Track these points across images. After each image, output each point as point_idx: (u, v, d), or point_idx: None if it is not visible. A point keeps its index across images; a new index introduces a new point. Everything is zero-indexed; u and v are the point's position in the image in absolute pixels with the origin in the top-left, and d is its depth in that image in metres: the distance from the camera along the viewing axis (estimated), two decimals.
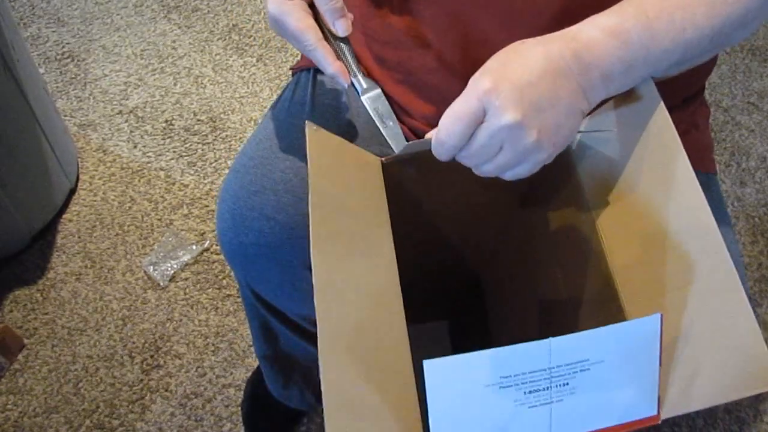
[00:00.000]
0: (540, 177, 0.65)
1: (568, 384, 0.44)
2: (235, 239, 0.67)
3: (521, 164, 0.50)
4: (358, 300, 0.49)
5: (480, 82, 0.47)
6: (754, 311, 1.17)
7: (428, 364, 0.42)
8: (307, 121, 0.54)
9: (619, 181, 0.55)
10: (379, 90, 0.61)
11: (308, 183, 0.51)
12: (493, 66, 0.48)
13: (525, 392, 0.44)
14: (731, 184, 1.35)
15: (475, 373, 0.43)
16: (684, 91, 0.70)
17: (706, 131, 0.73)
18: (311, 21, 0.57)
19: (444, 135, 0.49)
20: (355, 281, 0.49)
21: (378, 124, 0.60)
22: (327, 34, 0.57)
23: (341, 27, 0.57)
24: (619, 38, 0.49)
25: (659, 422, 0.46)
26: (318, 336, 0.46)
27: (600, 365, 0.44)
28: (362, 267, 0.50)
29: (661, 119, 0.53)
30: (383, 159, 0.58)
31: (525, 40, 0.50)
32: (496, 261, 0.85)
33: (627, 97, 0.55)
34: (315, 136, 0.53)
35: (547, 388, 0.44)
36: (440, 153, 0.51)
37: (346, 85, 0.57)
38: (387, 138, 0.59)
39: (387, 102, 0.61)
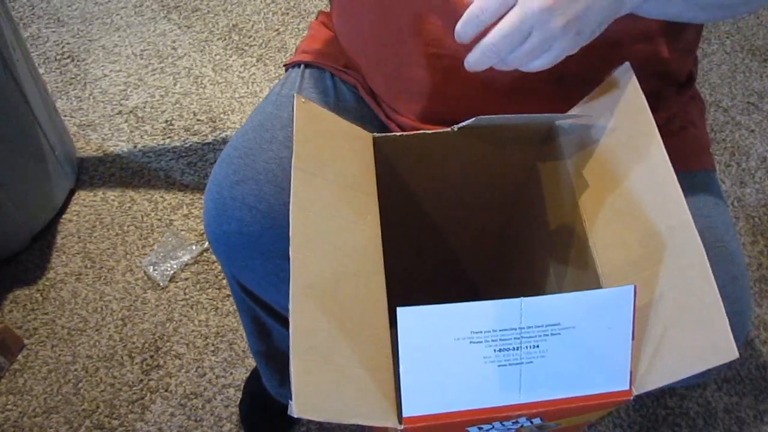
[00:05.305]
0: (532, 174, 0.65)
1: (538, 347, 0.44)
2: (218, 228, 0.68)
3: (546, 53, 0.50)
4: (335, 254, 0.49)
5: None
6: (754, 311, 1.17)
7: (401, 312, 0.42)
8: (296, 94, 0.55)
9: (603, 169, 0.56)
10: None
11: (293, 148, 0.51)
12: None
13: (495, 350, 0.43)
14: (731, 184, 1.35)
15: (447, 325, 0.43)
16: (673, 77, 0.69)
17: (702, 128, 0.73)
18: None
19: (478, 8, 0.49)
20: (334, 238, 0.50)
21: None
22: None
23: None
24: None
25: (631, 398, 0.46)
26: (290, 283, 0.46)
27: (571, 331, 0.44)
28: (343, 226, 0.51)
29: (639, 104, 0.54)
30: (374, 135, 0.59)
31: None
32: (487, 257, 0.85)
33: (608, 86, 0.57)
34: (304, 107, 0.55)
35: (517, 348, 0.44)
36: (468, 28, 0.50)
37: None
38: None
39: None
